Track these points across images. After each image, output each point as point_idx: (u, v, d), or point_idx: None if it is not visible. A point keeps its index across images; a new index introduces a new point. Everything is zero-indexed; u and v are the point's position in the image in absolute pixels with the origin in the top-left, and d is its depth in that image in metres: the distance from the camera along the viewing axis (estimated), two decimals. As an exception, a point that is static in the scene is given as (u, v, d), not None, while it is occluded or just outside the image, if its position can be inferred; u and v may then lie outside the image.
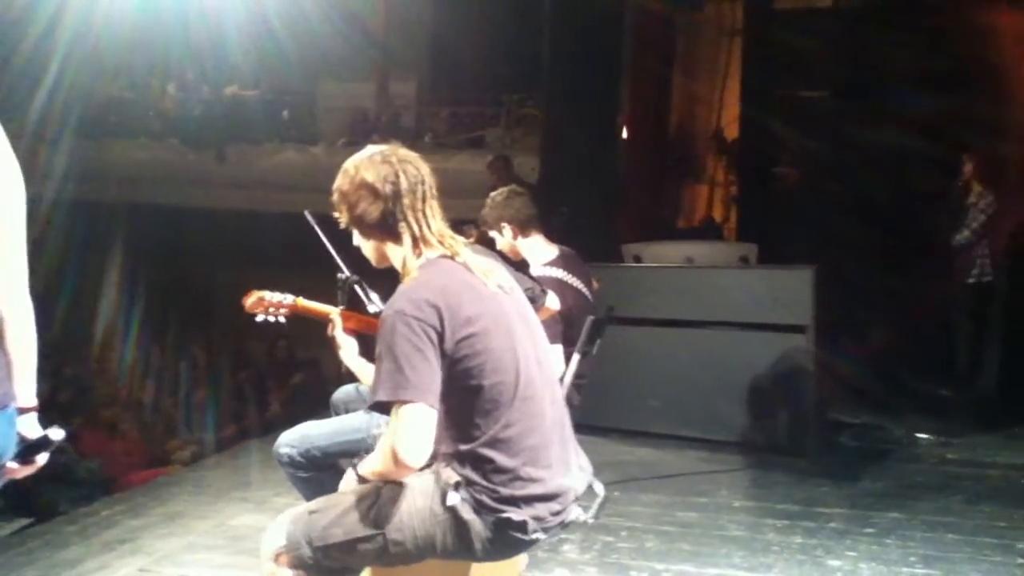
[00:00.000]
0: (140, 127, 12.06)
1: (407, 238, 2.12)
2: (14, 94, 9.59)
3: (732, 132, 10.37)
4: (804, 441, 5.15)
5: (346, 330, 2.66)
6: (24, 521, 5.77)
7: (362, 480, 2.10)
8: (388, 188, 2.10)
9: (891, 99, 7.41)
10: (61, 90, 10.04)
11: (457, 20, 11.21)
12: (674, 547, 3.64)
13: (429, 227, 2.13)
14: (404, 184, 2.10)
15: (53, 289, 9.56)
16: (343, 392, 3.28)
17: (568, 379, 3.68)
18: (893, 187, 7.51)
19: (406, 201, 2.10)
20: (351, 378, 2.94)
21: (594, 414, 4.96)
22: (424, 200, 2.13)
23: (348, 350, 2.62)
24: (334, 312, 2.72)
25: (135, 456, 7.69)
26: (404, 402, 1.92)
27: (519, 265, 3.76)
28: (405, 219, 2.11)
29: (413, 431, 1.92)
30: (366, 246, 2.20)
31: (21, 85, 9.73)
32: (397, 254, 2.15)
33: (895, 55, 7.50)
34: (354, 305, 2.90)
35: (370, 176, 2.11)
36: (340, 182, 2.16)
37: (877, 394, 6.04)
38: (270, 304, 2.83)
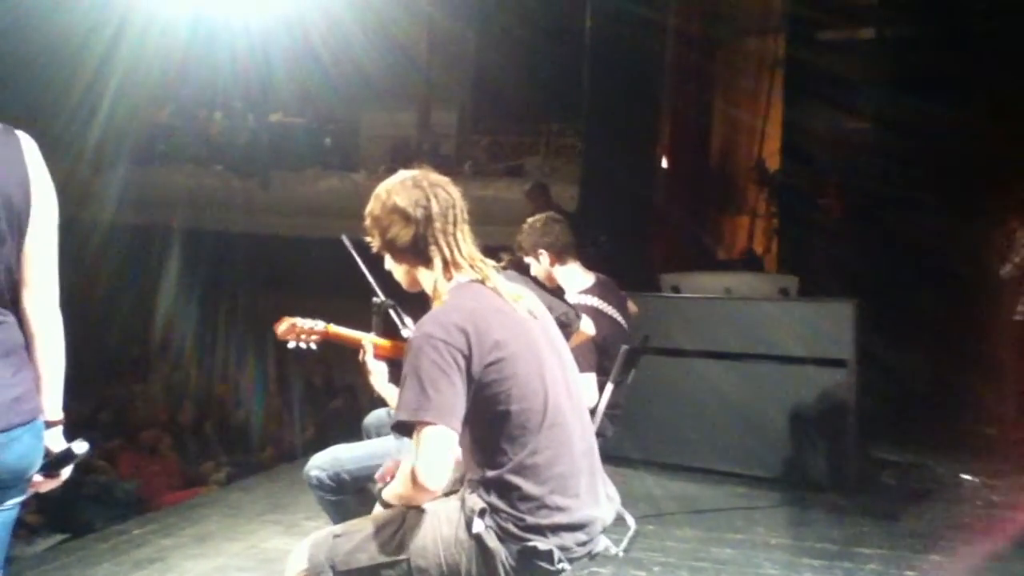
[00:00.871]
0: (186, 154, 12.30)
1: (438, 262, 2.11)
2: (72, 122, 9.84)
3: (774, 163, 10.29)
4: (844, 479, 5.04)
5: (378, 356, 2.66)
6: (60, 537, 5.83)
7: (386, 506, 2.09)
8: (419, 212, 2.10)
9: (934, 130, 7.30)
10: (116, 118, 10.30)
11: (499, 51, 11.34)
12: (707, 583, 3.57)
13: (460, 251, 2.13)
14: (435, 208, 2.11)
15: (107, 311, 9.79)
16: (374, 416, 3.28)
17: (601, 409, 3.64)
18: (937, 220, 7.38)
19: (437, 225, 2.10)
20: (382, 403, 2.94)
21: (629, 446, 4.90)
22: (455, 224, 2.13)
23: (379, 376, 2.62)
24: (366, 338, 2.72)
25: (172, 477, 7.75)
26: (425, 424, 1.91)
27: (555, 292, 3.74)
28: (436, 243, 2.11)
29: (433, 453, 1.91)
30: (397, 270, 2.20)
31: (79, 113, 9.99)
32: (428, 278, 2.15)
33: (939, 86, 7.41)
34: (388, 329, 2.90)
35: (402, 200, 2.11)
36: (372, 207, 2.17)
37: (920, 432, 5.90)
38: (302, 331, 2.85)
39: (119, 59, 9.48)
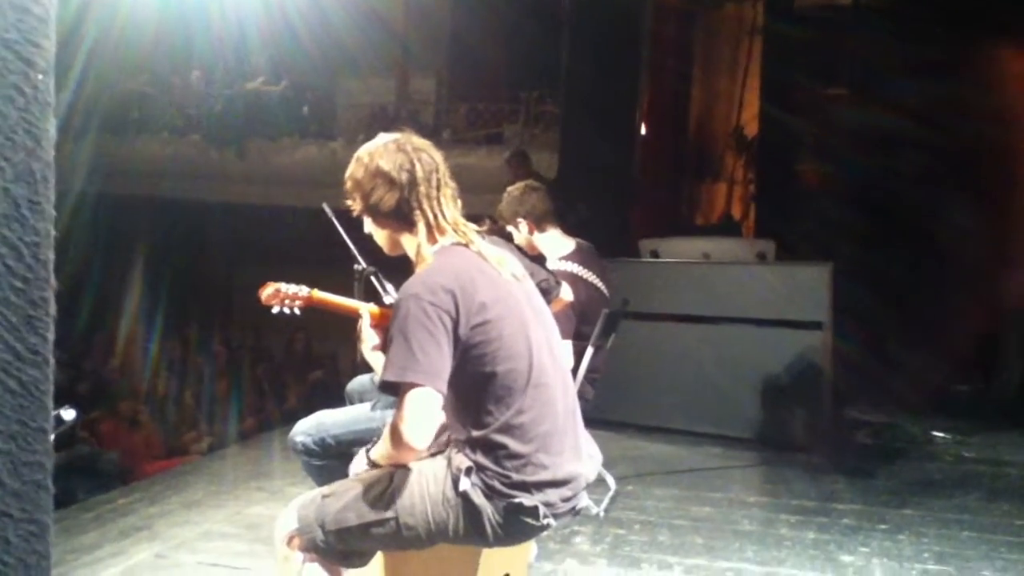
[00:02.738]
0: (162, 123, 12.16)
1: (422, 226, 2.12)
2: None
3: (751, 130, 10.34)
4: (819, 438, 5.14)
5: (373, 326, 2.66)
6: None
7: (373, 464, 2.11)
8: (404, 176, 2.10)
9: (912, 97, 7.36)
10: (87, 86, 10.14)
11: (477, 17, 11.25)
12: (687, 541, 3.64)
13: (444, 215, 2.13)
14: (420, 172, 2.11)
15: (78, 282, 9.69)
16: (357, 382, 3.31)
17: (581, 373, 3.69)
18: (913, 185, 7.46)
19: (421, 189, 2.10)
20: (366, 368, 2.96)
21: (609, 408, 4.98)
22: (439, 188, 2.13)
23: (370, 344, 2.63)
24: (364, 307, 2.72)
25: (154, 447, 7.76)
26: (412, 385, 1.92)
27: (537, 260, 3.77)
28: (420, 207, 2.11)
29: (419, 414, 1.93)
30: (379, 234, 2.20)
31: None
32: (411, 242, 2.15)
33: (916, 53, 7.45)
34: (370, 296, 2.91)
35: (386, 164, 2.11)
36: (354, 170, 2.16)
37: (894, 392, 6.01)
38: (286, 296, 2.85)
39: (88, 26, 9.33)
